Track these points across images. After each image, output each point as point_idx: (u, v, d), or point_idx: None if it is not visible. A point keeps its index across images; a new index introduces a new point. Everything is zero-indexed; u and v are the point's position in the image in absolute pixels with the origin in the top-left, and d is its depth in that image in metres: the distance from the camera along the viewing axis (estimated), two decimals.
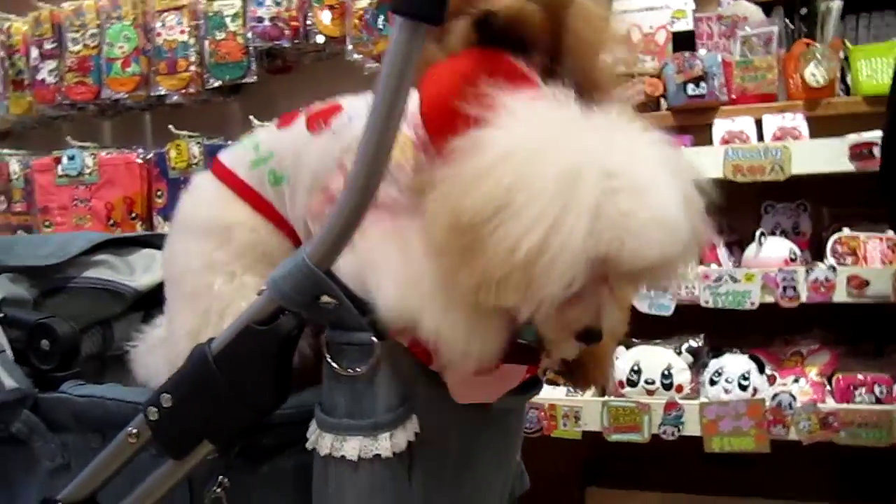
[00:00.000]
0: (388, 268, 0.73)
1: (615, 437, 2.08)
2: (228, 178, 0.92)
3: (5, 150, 2.77)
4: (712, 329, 2.18)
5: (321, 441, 0.77)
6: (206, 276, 0.89)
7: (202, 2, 2.35)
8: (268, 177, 0.89)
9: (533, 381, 0.95)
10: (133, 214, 2.50)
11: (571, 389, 2.24)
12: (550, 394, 2.21)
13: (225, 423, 0.75)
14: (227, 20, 2.28)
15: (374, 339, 0.75)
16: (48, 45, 2.61)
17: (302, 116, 0.90)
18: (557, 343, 0.76)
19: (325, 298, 0.74)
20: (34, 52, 2.64)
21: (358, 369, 0.75)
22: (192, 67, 2.33)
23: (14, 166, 2.69)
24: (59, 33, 2.60)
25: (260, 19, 2.20)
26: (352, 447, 0.75)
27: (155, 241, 1.51)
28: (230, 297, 0.88)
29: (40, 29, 2.63)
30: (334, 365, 0.76)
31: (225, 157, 0.95)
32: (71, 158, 2.54)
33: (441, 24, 0.68)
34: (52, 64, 2.60)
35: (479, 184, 0.66)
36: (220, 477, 0.81)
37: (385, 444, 0.75)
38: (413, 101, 0.79)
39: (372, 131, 0.67)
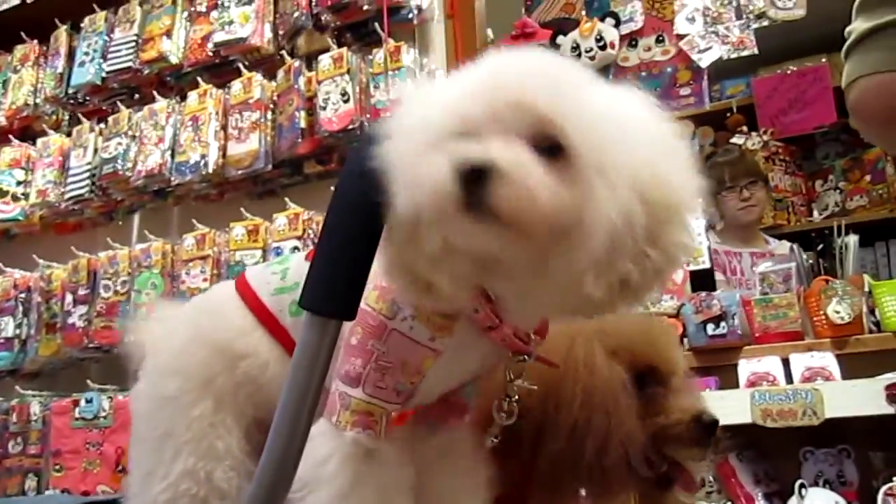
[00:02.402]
0: None
1: None
2: (251, 300, 0.91)
3: (29, 392, 2.80)
4: None
5: None
6: (193, 392, 0.87)
7: (225, 252, 2.45)
8: (289, 307, 0.88)
9: None
10: None
11: None
12: None
13: None
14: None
15: None
16: (82, 291, 2.73)
17: None
18: None
19: None
20: (69, 298, 2.75)
21: None
22: None
23: (35, 407, 2.70)
24: (93, 280, 2.73)
25: None
26: None
27: None
28: (200, 432, 0.86)
29: (77, 276, 2.76)
30: None
31: (252, 276, 0.94)
32: (88, 401, 2.54)
33: (351, 320, 0.66)
34: (82, 309, 2.70)
35: None
36: None
37: None
38: None
39: (280, 426, 0.62)
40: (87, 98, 2.99)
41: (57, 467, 2.54)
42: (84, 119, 2.97)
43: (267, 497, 0.64)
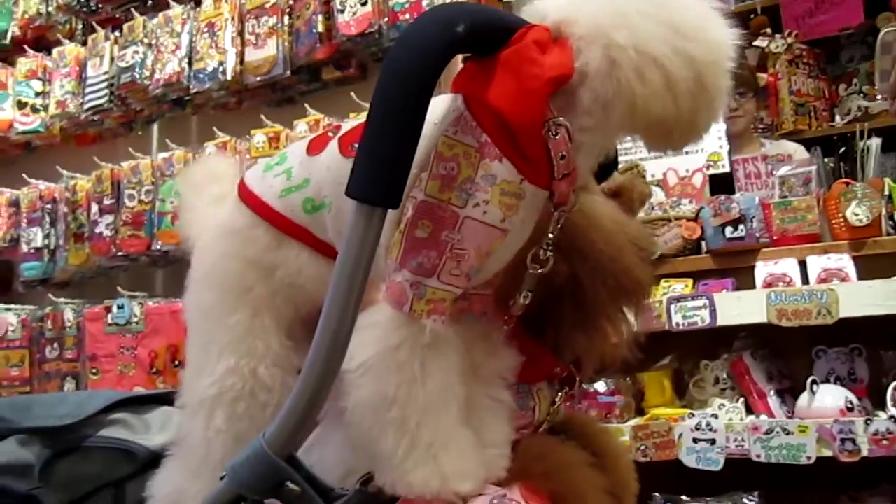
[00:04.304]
0: None
1: None
2: (263, 209, 0.91)
3: (62, 300, 2.89)
4: (767, 485, 2.02)
5: None
6: (229, 303, 0.91)
7: (247, 160, 2.47)
8: (303, 204, 0.88)
9: None
10: (176, 362, 2.54)
11: None
12: None
13: None
14: None
15: None
16: (107, 201, 2.77)
17: (333, 140, 0.88)
18: None
19: (288, 484, 0.70)
20: (94, 208, 2.80)
21: None
22: None
23: (69, 315, 2.79)
24: (117, 190, 2.77)
25: None
26: None
27: (173, 399, 1.52)
28: (238, 336, 0.90)
29: (101, 186, 2.80)
30: None
31: (252, 182, 0.94)
32: (120, 307, 2.62)
33: (396, 208, 0.68)
34: (109, 218, 2.75)
35: None
36: None
37: None
38: (450, 104, 0.80)
39: (330, 314, 0.66)
40: (100, 6, 2.95)
41: (94, 371, 2.65)
42: (98, 27, 2.94)
43: (316, 389, 0.68)
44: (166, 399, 1.51)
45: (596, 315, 0.93)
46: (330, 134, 0.90)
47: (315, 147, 0.90)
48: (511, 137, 0.77)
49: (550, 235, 0.83)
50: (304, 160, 0.90)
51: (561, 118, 0.77)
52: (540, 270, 0.84)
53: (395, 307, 0.78)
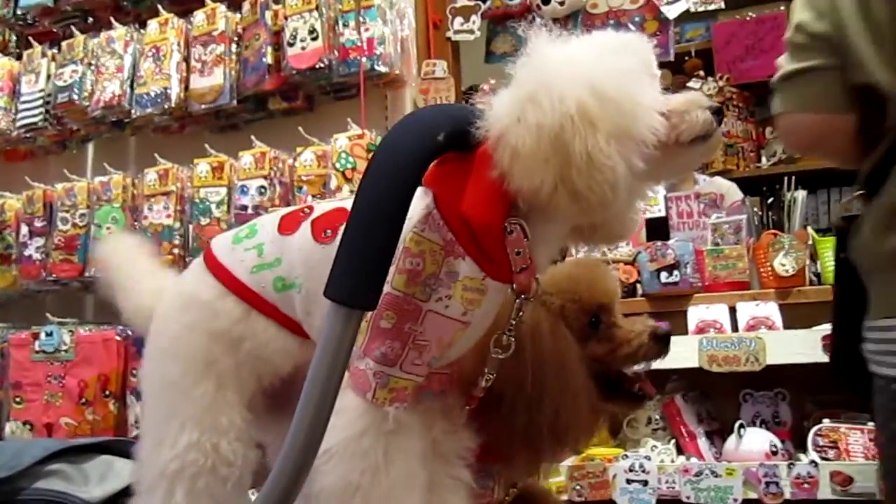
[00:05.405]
0: None
1: None
2: (232, 283, 0.92)
3: None
4: None
5: None
6: (195, 375, 0.91)
7: (189, 188, 2.43)
8: (274, 283, 0.91)
9: None
10: (107, 392, 2.46)
11: None
12: None
13: None
14: (213, 206, 2.36)
15: None
16: (38, 223, 2.67)
17: (306, 222, 0.90)
18: None
19: None
20: (24, 229, 2.70)
21: None
22: (176, 250, 2.38)
23: None
24: (49, 212, 2.67)
25: (244, 207, 2.27)
26: None
27: (114, 447, 1.48)
28: (202, 409, 0.90)
29: (33, 207, 2.70)
30: None
31: (221, 253, 0.95)
32: (49, 335, 2.53)
33: (374, 310, 0.70)
34: (39, 241, 2.65)
35: None
36: None
37: None
38: (423, 203, 0.82)
39: (306, 408, 0.67)
40: (37, 19, 2.85)
41: (17, 399, 2.54)
42: (35, 42, 2.85)
43: (289, 482, 0.69)
44: (106, 447, 1.48)
45: (526, 436, 0.95)
46: (303, 213, 0.91)
47: (287, 226, 0.93)
48: (475, 237, 0.80)
49: (513, 322, 0.86)
50: (275, 238, 0.93)
51: (515, 218, 0.81)
52: (502, 355, 0.87)
53: (358, 394, 0.80)
